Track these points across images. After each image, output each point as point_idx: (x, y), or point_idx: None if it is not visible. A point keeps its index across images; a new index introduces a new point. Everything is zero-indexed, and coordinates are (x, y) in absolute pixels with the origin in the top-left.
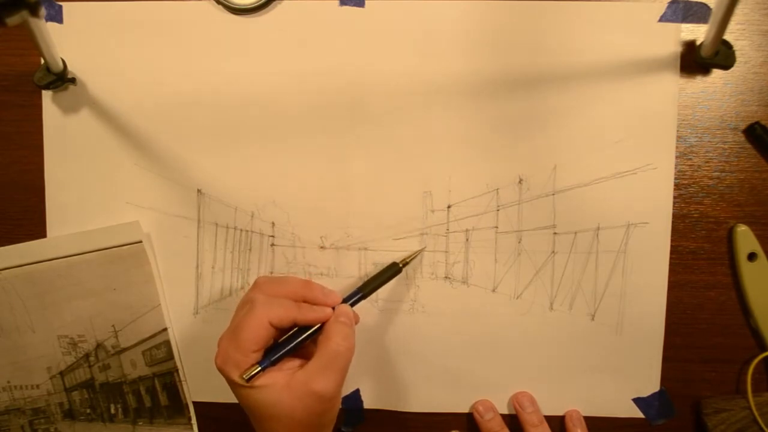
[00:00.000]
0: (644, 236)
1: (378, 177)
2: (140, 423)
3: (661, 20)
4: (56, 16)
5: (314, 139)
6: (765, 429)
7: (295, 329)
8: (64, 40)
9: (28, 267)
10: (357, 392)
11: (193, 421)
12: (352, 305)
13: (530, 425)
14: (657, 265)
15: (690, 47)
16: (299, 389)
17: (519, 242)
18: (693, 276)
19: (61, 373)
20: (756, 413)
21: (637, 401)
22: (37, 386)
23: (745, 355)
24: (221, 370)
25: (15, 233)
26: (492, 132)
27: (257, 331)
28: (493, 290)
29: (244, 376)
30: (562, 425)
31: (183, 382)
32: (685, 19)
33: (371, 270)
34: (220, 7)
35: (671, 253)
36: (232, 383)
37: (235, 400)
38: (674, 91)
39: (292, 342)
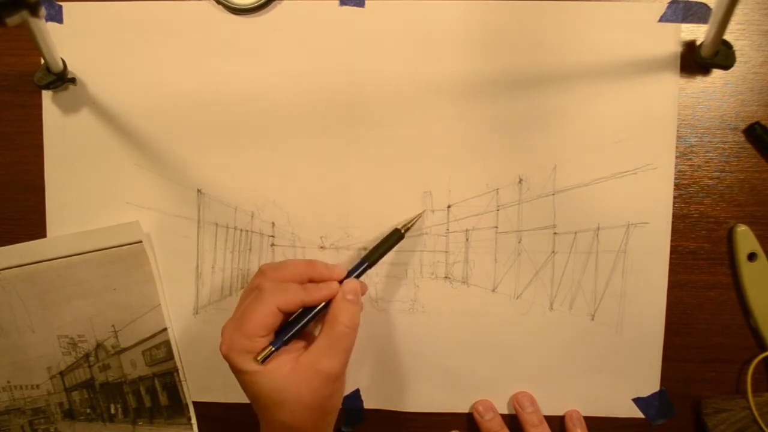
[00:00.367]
0: (644, 236)
1: (378, 177)
2: (140, 423)
3: (661, 20)
4: (56, 16)
5: (314, 139)
6: (765, 429)
7: (302, 309)
8: (64, 40)
9: (28, 267)
10: (357, 392)
11: (193, 421)
12: (357, 276)
13: (530, 425)
14: (657, 265)
15: (690, 47)
16: (305, 371)
17: (519, 242)
18: (693, 276)
19: (61, 373)
20: (756, 413)
21: (637, 401)
22: (37, 386)
23: (745, 355)
24: (227, 357)
25: (15, 233)
26: (492, 132)
27: (265, 318)
28: (493, 290)
29: (259, 358)
30: (562, 425)
31: (183, 382)
32: (685, 19)
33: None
34: (220, 7)
35: (671, 253)
36: (238, 371)
37: (235, 400)
38: (674, 91)
39: (301, 321)
